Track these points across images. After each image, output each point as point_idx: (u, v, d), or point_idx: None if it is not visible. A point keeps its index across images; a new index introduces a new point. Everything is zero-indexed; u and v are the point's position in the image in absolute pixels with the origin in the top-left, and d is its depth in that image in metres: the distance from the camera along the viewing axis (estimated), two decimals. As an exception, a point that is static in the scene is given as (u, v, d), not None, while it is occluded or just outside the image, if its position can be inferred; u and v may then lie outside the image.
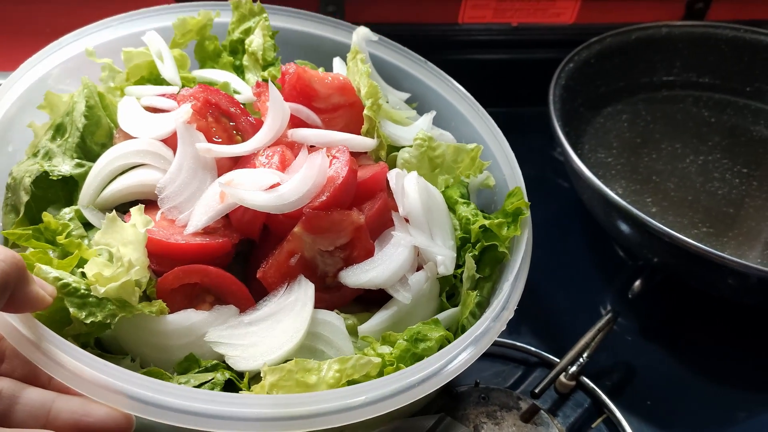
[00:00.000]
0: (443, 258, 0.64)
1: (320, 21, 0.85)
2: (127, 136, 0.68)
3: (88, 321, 0.53)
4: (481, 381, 0.78)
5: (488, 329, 0.58)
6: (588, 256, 1.02)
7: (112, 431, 0.48)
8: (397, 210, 0.66)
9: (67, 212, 0.63)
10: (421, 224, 0.65)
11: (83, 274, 0.55)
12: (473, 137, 0.78)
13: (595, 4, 1.20)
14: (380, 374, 0.56)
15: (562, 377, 0.80)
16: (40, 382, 0.51)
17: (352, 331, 0.61)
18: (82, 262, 0.56)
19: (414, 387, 0.54)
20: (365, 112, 0.70)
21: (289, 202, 0.60)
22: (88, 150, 0.69)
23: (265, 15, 0.81)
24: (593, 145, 1.08)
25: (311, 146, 0.67)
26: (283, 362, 0.54)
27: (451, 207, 0.71)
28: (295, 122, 0.70)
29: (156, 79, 0.76)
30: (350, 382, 0.54)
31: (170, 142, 0.67)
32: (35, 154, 0.67)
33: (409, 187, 0.66)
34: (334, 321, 0.60)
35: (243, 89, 0.76)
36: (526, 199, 0.68)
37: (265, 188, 0.60)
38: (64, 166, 0.66)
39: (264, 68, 0.79)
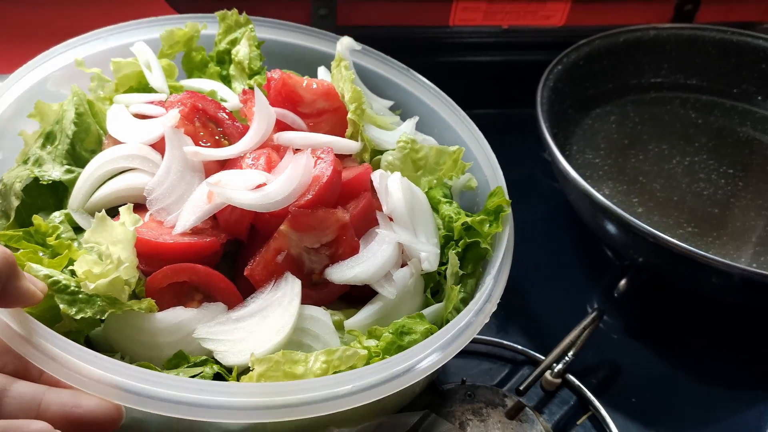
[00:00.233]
0: (427, 254, 0.66)
1: (306, 32, 0.87)
2: (116, 142, 0.69)
3: (78, 317, 0.54)
4: (469, 379, 0.79)
5: (473, 320, 0.60)
6: (576, 256, 1.03)
7: (102, 422, 0.49)
8: (381, 210, 0.68)
9: (57, 216, 0.64)
10: (405, 222, 0.67)
11: (73, 273, 0.56)
12: (456, 141, 0.80)
13: (585, 7, 1.21)
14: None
15: (548, 375, 0.81)
16: (31, 378, 0.52)
17: (339, 327, 0.62)
18: (71, 263, 0.57)
19: (401, 375, 0.55)
20: (349, 116, 0.72)
21: (276, 201, 0.61)
22: (78, 156, 0.70)
23: (251, 26, 0.83)
24: (581, 147, 1.09)
25: (297, 149, 0.68)
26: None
27: (434, 207, 0.73)
28: (281, 127, 0.72)
29: (145, 89, 0.77)
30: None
31: (159, 147, 0.68)
32: (25, 161, 0.68)
33: (392, 187, 0.68)
34: (321, 316, 0.61)
35: (230, 97, 0.78)
36: (507, 197, 0.70)
37: (251, 188, 0.62)
38: (54, 172, 0.67)
39: (250, 77, 0.81)
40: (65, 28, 0.79)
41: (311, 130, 0.73)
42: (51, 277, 0.54)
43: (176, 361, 0.58)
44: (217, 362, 0.57)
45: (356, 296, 0.66)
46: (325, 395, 0.52)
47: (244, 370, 0.56)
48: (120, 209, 0.58)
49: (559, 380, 0.81)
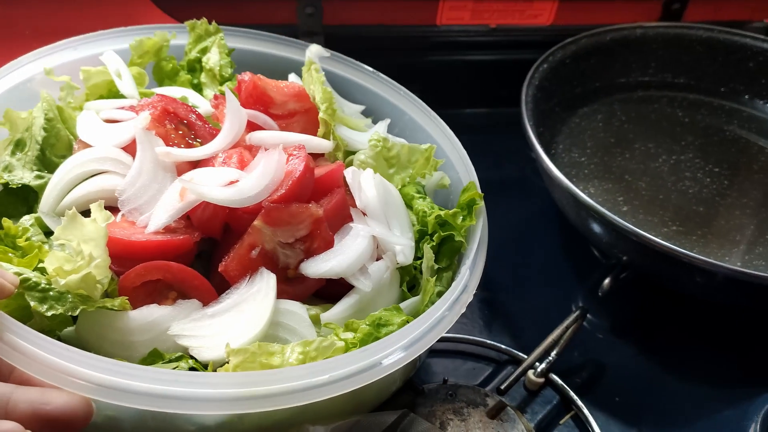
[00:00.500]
0: (402, 247, 0.66)
1: (275, 41, 0.88)
2: (87, 147, 0.69)
3: (49, 314, 0.53)
4: (451, 379, 0.78)
5: (450, 308, 0.60)
6: (562, 255, 1.03)
7: (72, 418, 0.48)
8: (355, 206, 0.68)
9: (27, 219, 0.64)
10: (379, 216, 0.67)
11: (43, 272, 0.55)
12: (428, 142, 0.80)
13: (572, 6, 1.22)
14: (343, 357, 0.56)
15: (531, 375, 0.81)
16: (1, 376, 0.51)
17: (316, 321, 0.62)
18: (41, 263, 0.57)
19: (378, 365, 0.54)
20: (320, 115, 0.73)
21: (249, 197, 0.61)
22: (48, 162, 0.69)
23: (220, 34, 0.84)
24: (567, 145, 1.09)
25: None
26: (247, 347, 0.54)
27: (408, 203, 0.73)
28: (253, 128, 0.72)
29: (115, 98, 0.77)
30: (314, 366, 0.54)
31: (130, 150, 0.68)
32: (-5, 169, 0.68)
33: (365, 182, 0.68)
34: (297, 310, 0.60)
35: (201, 104, 0.78)
36: (479, 191, 0.70)
37: (225, 184, 0.62)
38: (24, 177, 0.66)
39: (221, 84, 0.81)
40: (57, 24, 0.78)
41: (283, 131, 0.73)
42: (21, 275, 0.53)
43: (151, 359, 0.57)
44: (193, 358, 0.57)
45: (333, 293, 0.65)
46: (303, 385, 0.51)
47: (220, 365, 0.55)
48: (91, 206, 0.57)
49: (542, 380, 0.81)
